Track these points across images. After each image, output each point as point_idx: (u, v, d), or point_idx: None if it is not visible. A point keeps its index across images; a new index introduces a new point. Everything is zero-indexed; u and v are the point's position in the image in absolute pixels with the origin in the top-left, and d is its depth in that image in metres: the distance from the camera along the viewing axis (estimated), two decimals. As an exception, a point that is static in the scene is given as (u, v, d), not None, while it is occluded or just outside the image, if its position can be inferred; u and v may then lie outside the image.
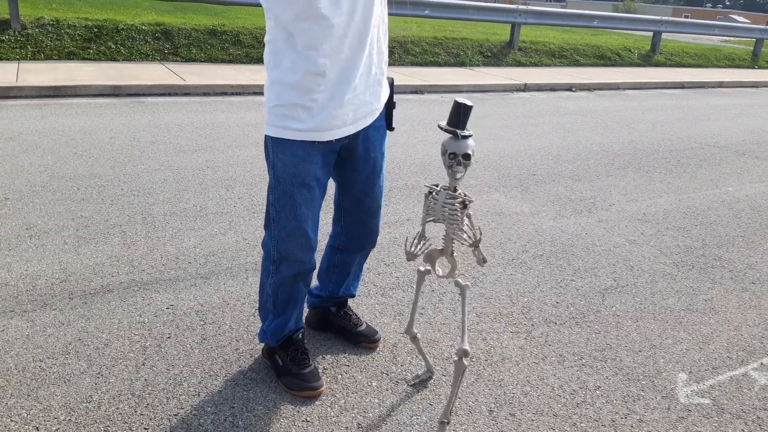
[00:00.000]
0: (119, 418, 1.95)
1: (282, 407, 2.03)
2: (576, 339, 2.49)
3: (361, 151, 1.99)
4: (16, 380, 2.11)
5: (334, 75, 1.78)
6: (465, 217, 1.79)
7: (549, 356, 2.37)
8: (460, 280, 1.92)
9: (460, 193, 1.79)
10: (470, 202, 1.79)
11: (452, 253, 1.89)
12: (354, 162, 2.00)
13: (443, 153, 1.76)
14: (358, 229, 2.17)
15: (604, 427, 2.00)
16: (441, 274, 1.95)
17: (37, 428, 1.90)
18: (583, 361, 2.35)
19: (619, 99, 8.92)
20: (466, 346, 1.82)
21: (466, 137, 1.74)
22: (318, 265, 2.23)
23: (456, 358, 1.81)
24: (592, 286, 2.92)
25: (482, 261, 1.85)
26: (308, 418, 1.98)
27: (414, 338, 2.10)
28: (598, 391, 2.18)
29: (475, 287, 2.86)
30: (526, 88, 8.93)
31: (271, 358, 2.18)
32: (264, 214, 1.96)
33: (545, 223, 3.69)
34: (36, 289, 2.71)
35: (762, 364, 2.40)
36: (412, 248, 1.91)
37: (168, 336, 2.38)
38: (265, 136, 1.88)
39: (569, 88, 9.34)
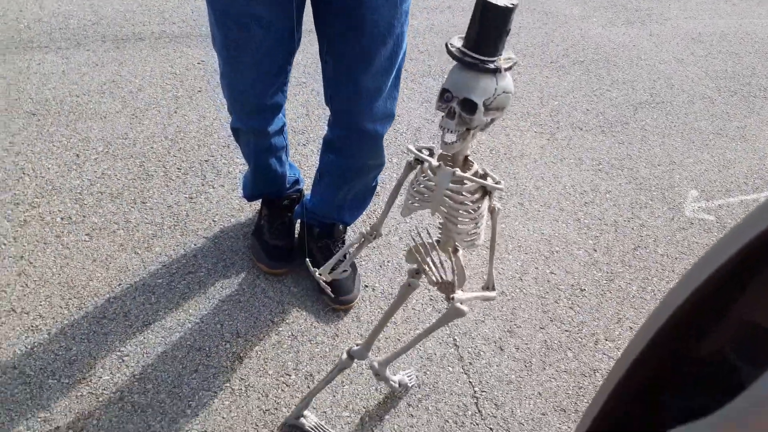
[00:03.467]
0: (154, 157, 2.07)
1: (305, 167, 2.13)
2: (598, 146, 2.51)
3: None
4: (54, 111, 2.21)
5: None
6: (485, 212, 1.02)
7: (567, 158, 2.41)
8: (459, 304, 1.08)
9: (476, 171, 1.01)
10: (495, 189, 1.00)
11: (456, 250, 1.11)
12: None
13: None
14: (341, 116, 1.48)
15: (606, 226, 2.10)
16: (433, 277, 1.09)
17: (77, 155, 2.03)
18: (600, 166, 2.39)
19: None
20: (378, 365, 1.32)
21: (488, 69, 0.88)
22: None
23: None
24: (627, 99, 2.86)
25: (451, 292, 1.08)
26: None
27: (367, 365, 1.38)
28: (608, 195, 2.25)
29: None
30: None
31: (261, 207, 1.84)
32: None
33: (593, 29, 3.51)
34: (69, 28, 2.71)
35: (775, 193, 2.43)
36: (319, 272, 1.19)
37: (199, 90, 2.43)
38: None
39: None
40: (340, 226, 1.75)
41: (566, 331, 1.72)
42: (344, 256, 1.20)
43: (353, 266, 1.74)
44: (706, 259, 0.57)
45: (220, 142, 2.17)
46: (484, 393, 1.52)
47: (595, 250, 2.00)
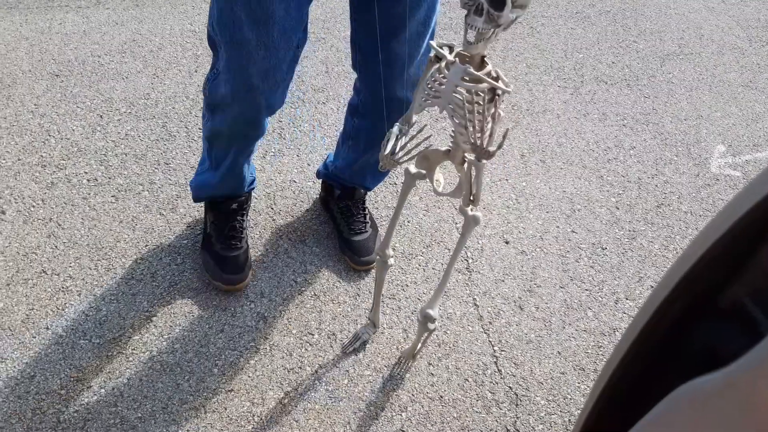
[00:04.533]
0: (176, 117, 2.08)
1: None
2: (623, 100, 2.45)
3: None
4: (77, 71, 2.22)
5: None
6: (489, 118, 1.02)
7: (591, 113, 2.37)
8: (469, 208, 1.16)
9: (490, 72, 1.01)
10: (505, 92, 1.00)
11: (464, 160, 1.12)
12: None
13: None
14: (374, 84, 1.40)
15: (629, 183, 2.08)
16: (441, 190, 1.19)
17: (101, 116, 2.05)
18: (625, 122, 2.35)
19: None
20: (434, 312, 1.29)
21: None
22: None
23: (419, 319, 1.32)
24: (654, 50, 2.78)
25: (469, 200, 1.13)
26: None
27: (384, 262, 1.37)
28: (632, 151, 2.22)
29: (530, 38, 2.75)
30: None
31: (206, 212, 1.68)
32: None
33: (620, -23, 3.38)
34: (88, -15, 2.69)
35: (806, 148, 2.37)
36: (388, 149, 1.13)
37: (218, 48, 2.42)
38: None
39: None
40: (362, 190, 1.73)
41: (586, 290, 1.73)
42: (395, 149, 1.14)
43: (374, 226, 1.75)
44: (726, 210, 0.57)
45: (240, 101, 2.17)
46: (503, 352, 1.55)
47: (618, 208, 1.99)
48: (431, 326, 1.33)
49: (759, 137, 2.36)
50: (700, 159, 2.22)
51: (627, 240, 1.89)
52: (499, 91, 0.99)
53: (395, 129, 1.14)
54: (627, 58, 2.71)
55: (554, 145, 2.19)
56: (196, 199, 1.64)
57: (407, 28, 1.27)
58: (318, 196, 1.85)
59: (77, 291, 1.55)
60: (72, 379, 1.39)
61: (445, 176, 1.24)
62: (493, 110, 1.01)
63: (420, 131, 1.12)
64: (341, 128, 1.67)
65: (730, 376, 0.51)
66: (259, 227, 1.76)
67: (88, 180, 1.83)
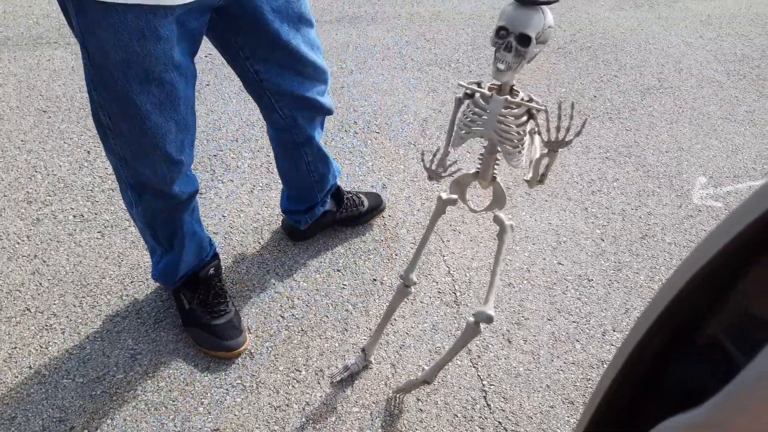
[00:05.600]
0: (162, 153, 2.09)
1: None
2: (606, 133, 2.50)
3: None
4: (65, 107, 2.23)
5: None
6: (527, 136, 1.14)
7: (575, 146, 2.41)
8: (502, 215, 1.29)
9: (523, 98, 1.13)
10: (540, 110, 1.12)
11: (494, 178, 1.24)
12: (243, 12, 1.23)
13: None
14: (292, 103, 1.45)
15: (614, 215, 2.10)
16: (475, 207, 1.32)
17: (88, 152, 2.05)
18: (608, 154, 2.39)
19: None
20: (491, 311, 1.26)
21: (537, 4, 1.05)
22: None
23: (472, 321, 1.28)
24: (635, 84, 2.84)
25: (536, 181, 1.23)
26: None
27: (406, 288, 1.38)
28: (615, 183, 2.25)
29: (514, 71, 2.80)
30: None
31: (176, 297, 1.61)
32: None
33: (601, 13, 3.47)
34: (77, 23, 2.72)
35: (785, 178, 2.42)
36: (433, 165, 1.24)
37: (207, 83, 2.44)
38: None
39: None
40: (336, 187, 1.80)
41: (574, 322, 1.73)
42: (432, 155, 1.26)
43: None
44: (703, 245, 0.58)
45: (228, 136, 2.19)
46: (492, 386, 1.54)
47: (603, 240, 2.01)
48: (483, 328, 1.40)
49: (739, 168, 2.41)
50: (682, 190, 2.26)
51: (613, 271, 1.90)
52: (534, 111, 1.13)
53: (437, 149, 1.27)
54: (608, 92, 2.77)
55: (539, 177, 2.22)
56: (172, 285, 1.57)
57: (297, 36, 1.32)
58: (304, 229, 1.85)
59: (61, 329, 1.53)
60: (54, 419, 1.36)
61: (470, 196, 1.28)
62: (530, 127, 1.15)
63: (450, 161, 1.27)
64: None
65: (706, 414, 0.51)
66: (246, 262, 1.76)
67: (74, 216, 1.83)
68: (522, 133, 1.12)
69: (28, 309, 1.57)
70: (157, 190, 1.30)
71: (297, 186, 1.70)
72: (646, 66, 3.00)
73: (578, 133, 1.11)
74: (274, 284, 1.71)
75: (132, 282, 1.66)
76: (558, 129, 1.12)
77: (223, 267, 1.73)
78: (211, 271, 1.57)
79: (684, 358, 0.65)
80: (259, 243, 1.82)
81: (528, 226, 2.01)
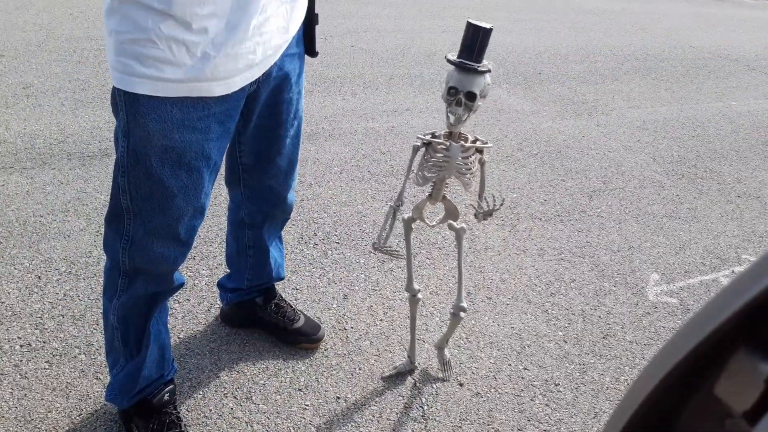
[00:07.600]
0: (117, 274, 2.05)
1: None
2: (558, 235, 2.58)
3: (270, 93, 1.37)
4: (17, 232, 2.19)
5: None
6: (479, 164, 1.52)
7: (530, 249, 2.47)
8: (453, 222, 1.64)
9: (471, 141, 1.50)
10: (486, 147, 1.50)
11: (444, 197, 1.59)
12: (256, 107, 1.38)
13: (446, 84, 1.42)
14: (265, 195, 1.60)
15: (574, 316, 2.12)
16: (432, 222, 1.69)
17: (39, 277, 2.00)
18: (562, 255, 2.45)
19: (638, 1, 8.57)
20: (464, 303, 1.67)
21: (478, 71, 1.36)
22: (225, 248, 1.83)
23: (452, 312, 1.69)
24: (581, 187, 2.98)
25: (482, 216, 1.62)
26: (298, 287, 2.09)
27: (414, 297, 1.70)
28: (572, 284, 2.29)
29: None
30: (542, -19, 8.54)
31: (126, 425, 1.53)
32: (108, 205, 1.30)
33: (544, 123, 3.69)
34: (34, 148, 2.74)
35: (733, 272, 2.50)
36: (382, 241, 1.58)
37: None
38: (113, 88, 1.16)
39: (587, -15, 8.94)
40: (276, 284, 1.89)
41: (545, 430, 1.69)
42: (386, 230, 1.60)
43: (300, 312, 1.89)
44: (659, 357, 0.58)
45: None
46: (465, 506, 1.47)
47: (566, 342, 2.01)
48: (463, 315, 1.69)
49: (689, 264, 2.49)
50: (636, 288, 2.31)
51: (578, 374, 1.89)
52: (483, 148, 1.51)
53: (389, 210, 1.58)
54: (557, 196, 2.88)
55: (498, 281, 2.25)
56: (127, 402, 1.48)
57: (285, 139, 1.50)
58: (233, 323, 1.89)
59: (0, 472, 1.42)
60: None
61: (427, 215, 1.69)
62: (480, 157, 1.52)
63: (393, 216, 1.59)
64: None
65: None
66: (202, 386, 1.69)
67: (21, 346, 1.75)
68: (473, 165, 1.49)
69: (-36, 451, 1.45)
70: (153, 274, 1.34)
71: (232, 262, 1.81)
72: (590, 170, 3.15)
73: (501, 203, 1.56)
74: (232, 409, 1.64)
75: (80, 414, 1.57)
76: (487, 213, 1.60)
77: (179, 392, 1.66)
78: (166, 396, 1.51)
79: None
80: (216, 365, 1.76)
81: (491, 331, 2.01)
